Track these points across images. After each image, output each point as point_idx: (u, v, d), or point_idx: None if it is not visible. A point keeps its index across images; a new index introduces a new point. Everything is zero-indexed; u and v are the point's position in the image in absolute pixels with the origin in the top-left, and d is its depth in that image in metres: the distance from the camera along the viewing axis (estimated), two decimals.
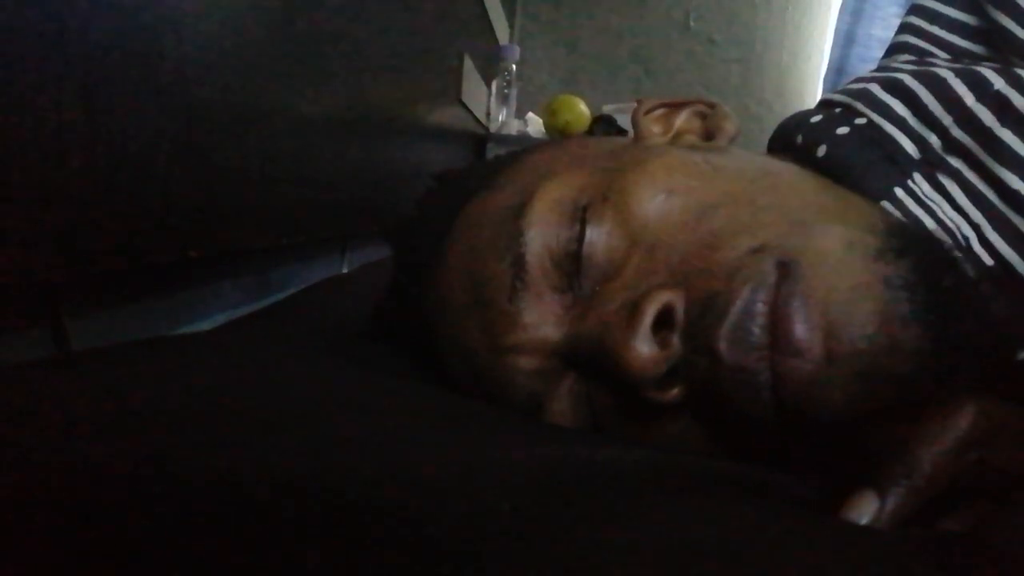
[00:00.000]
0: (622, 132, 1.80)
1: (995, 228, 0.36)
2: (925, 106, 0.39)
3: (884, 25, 2.06)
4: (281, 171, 0.59)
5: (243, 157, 0.52)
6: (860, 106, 0.42)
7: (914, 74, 0.41)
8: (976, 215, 0.37)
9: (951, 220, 0.37)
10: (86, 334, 0.42)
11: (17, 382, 0.29)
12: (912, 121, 0.40)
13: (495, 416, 0.34)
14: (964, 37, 0.45)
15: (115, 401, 0.27)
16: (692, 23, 2.34)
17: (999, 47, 0.43)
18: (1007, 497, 0.26)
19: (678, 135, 0.44)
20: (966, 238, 0.36)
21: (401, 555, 0.18)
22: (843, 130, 0.41)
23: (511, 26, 2.24)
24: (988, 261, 0.36)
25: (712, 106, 0.45)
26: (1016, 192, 0.35)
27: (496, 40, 1.93)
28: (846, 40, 2.13)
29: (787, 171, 0.39)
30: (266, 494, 0.20)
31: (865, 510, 0.26)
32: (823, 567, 0.20)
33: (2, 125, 0.31)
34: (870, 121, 0.41)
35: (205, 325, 0.57)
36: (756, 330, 0.30)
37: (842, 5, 2.16)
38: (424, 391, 0.36)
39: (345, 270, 0.95)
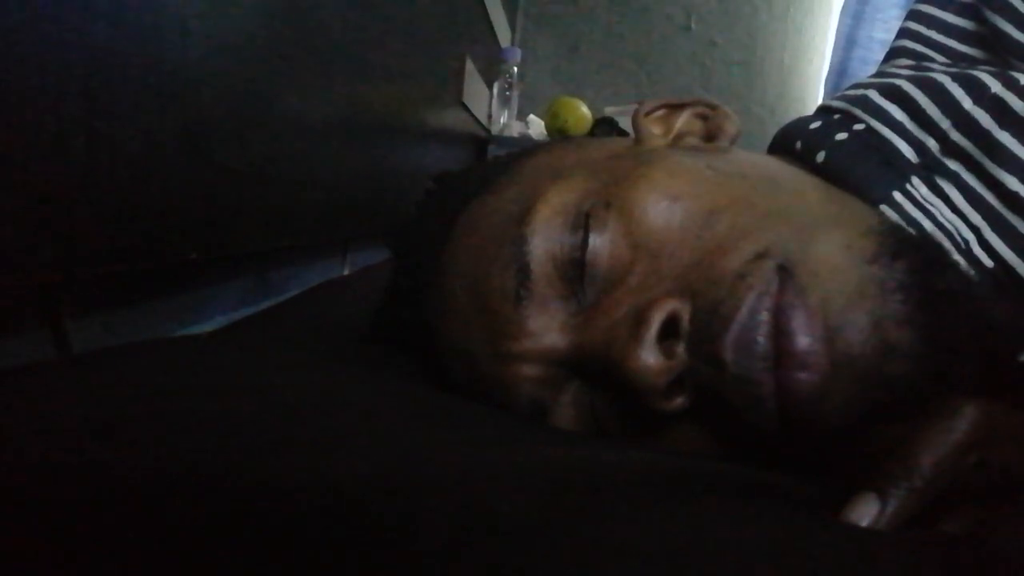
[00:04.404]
0: (623, 134, 1.80)
1: (994, 230, 0.36)
2: (923, 110, 0.39)
3: (885, 27, 2.06)
4: (282, 173, 0.59)
5: (244, 158, 0.52)
6: (858, 112, 0.42)
7: (912, 79, 0.41)
8: (975, 217, 0.37)
9: (950, 223, 0.37)
10: (86, 334, 0.42)
11: (17, 383, 0.29)
12: (910, 126, 0.40)
13: (495, 419, 0.34)
14: (962, 41, 0.45)
15: (115, 403, 0.27)
16: (693, 25, 2.33)
17: (997, 51, 0.43)
18: (1008, 499, 0.26)
19: (679, 136, 0.44)
20: (965, 240, 0.36)
21: (392, 556, 0.18)
22: (842, 136, 0.41)
23: (512, 28, 2.25)
24: (988, 263, 0.36)
25: (713, 107, 0.45)
26: (1015, 194, 0.35)
27: (497, 42, 1.94)
28: (847, 42, 2.13)
29: (788, 173, 0.39)
30: (265, 497, 0.20)
31: (866, 512, 0.26)
32: (824, 568, 0.20)
33: (2, 125, 0.31)
34: (868, 127, 0.41)
35: (206, 327, 0.57)
36: (760, 339, 0.30)
37: (843, 7, 2.16)
38: (423, 394, 0.36)
39: (346, 272, 0.95)
